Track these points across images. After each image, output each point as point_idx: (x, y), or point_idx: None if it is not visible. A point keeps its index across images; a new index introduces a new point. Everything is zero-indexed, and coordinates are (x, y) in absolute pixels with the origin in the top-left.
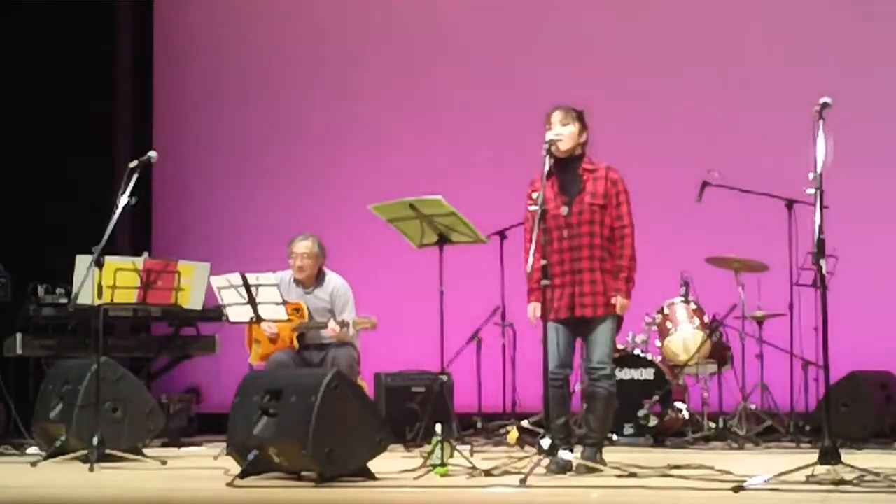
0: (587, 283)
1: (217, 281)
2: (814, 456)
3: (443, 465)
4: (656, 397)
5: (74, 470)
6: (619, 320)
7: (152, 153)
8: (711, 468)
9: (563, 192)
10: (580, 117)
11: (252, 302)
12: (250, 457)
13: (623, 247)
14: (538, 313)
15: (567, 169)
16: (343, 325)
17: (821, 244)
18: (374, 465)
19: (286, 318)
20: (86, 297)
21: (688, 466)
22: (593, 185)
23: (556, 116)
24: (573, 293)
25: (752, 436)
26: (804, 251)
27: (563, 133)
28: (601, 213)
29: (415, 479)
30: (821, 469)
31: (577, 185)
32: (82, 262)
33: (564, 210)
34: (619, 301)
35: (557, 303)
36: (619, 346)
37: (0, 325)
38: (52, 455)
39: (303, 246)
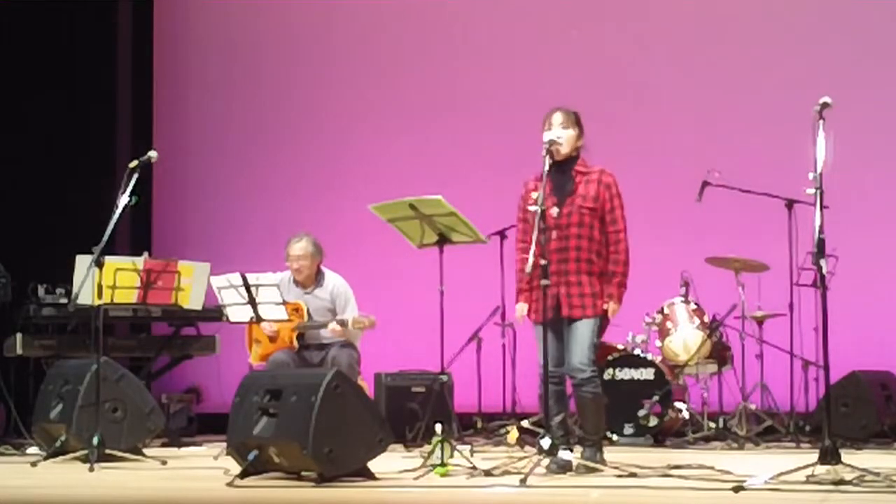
0: (574, 285)
1: (217, 281)
2: (814, 456)
3: (443, 465)
4: (656, 397)
5: (74, 470)
6: (603, 323)
7: (152, 153)
8: (711, 468)
9: (554, 193)
10: (578, 121)
11: (252, 302)
12: (250, 457)
13: (617, 251)
14: (524, 312)
15: (561, 171)
16: (342, 323)
17: (821, 244)
18: (374, 465)
19: (286, 318)
20: (86, 297)
21: (688, 466)
22: (585, 188)
23: (557, 119)
24: (559, 294)
25: (752, 436)
26: (804, 251)
27: (562, 136)
28: (591, 217)
29: (415, 479)
30: (821, 469)
31: (569, 188)
32: (82, 262)
33: (555, 211)
34: (610, 306)
35: (545, 303)
36: (619, 346)
37: (0, 325)
38: (52, 455)
39: (298, 248)
